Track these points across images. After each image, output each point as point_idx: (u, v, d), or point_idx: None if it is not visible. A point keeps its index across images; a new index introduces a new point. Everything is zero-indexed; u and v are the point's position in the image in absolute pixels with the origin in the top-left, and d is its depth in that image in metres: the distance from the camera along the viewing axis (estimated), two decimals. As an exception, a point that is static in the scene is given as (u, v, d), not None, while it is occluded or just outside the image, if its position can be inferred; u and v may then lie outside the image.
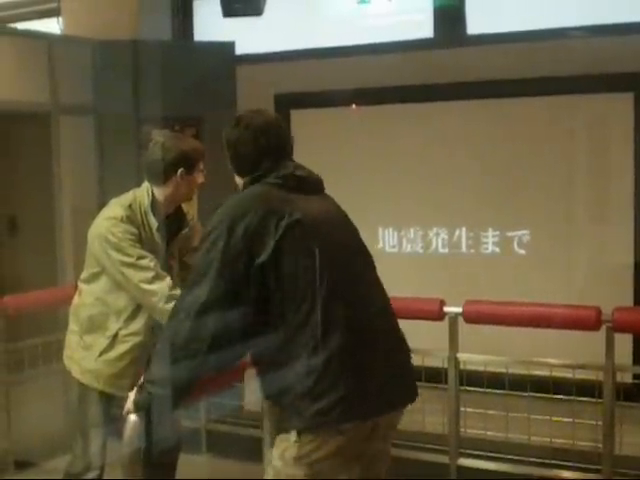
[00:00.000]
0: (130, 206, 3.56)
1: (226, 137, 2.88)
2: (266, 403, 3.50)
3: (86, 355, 3.64)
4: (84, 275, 3.69)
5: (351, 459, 2.65)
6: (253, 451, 4.66)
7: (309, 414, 2.54)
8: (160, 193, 3.61)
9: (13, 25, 7.39)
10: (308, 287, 2.59)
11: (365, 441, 2.66)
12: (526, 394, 4.62)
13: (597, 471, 4.32)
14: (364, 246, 2.90)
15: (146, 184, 3.64)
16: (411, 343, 2.87)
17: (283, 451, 2.62)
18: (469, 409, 4.75)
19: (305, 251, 2.62)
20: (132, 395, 2.80)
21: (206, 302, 2.61)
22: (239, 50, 6.40)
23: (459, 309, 4.51)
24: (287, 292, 2.60)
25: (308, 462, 2.58)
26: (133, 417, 2.80)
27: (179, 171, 3.57)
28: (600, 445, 4.30)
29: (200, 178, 3.63)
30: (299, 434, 2.57)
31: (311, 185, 2.84)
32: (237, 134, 2.84)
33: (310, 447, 2.57)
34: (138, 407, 2.77)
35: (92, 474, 3.76)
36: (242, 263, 2.59)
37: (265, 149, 2.80)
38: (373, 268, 2.88)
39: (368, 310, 2.72)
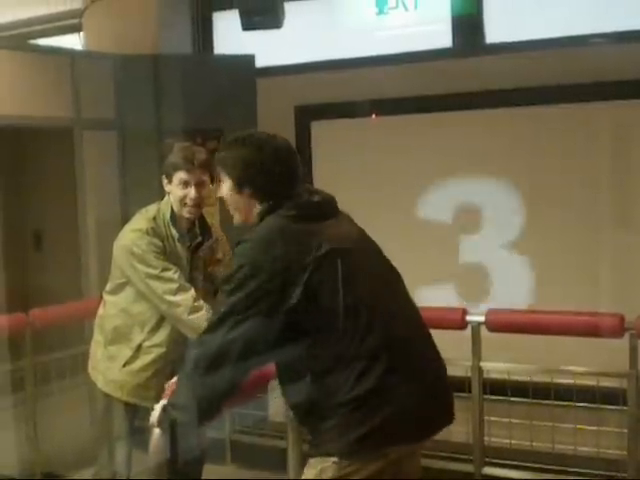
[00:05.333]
0: (154, 218, 3.61)
1: (242, 157, 2.72)
2: (293, 419, 3.45)
3: (110, 366, 3.68)
4: (109, 286, 3.74)
5: (390, 478, 2.59)
6: (277, 462, 4.65)
7: (351, 440, 2.50)
8: None
9: (35, 41, 7.47)
10: (345, 318, 2.53)
11: (403, 461, 2.62)
12: (550, 402, 4.60)
13: (622, 479, 4.31)
14: (389, 261, 2.82)
15: (168, 196, 3.68)
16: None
17: (321, 472, 2.56)
18: (493, 418, 4.74)
19: (337, 283, 2.55)
20: (158, 409, 2.78)
21: (227, 344, 2.54)
22: (259, 62, 6.43)
23: (482, 318, 4.51)
24: (324, 327, 2.54)
25: None
26: (158, 429, 2.82)
27: (163, 179, 3.66)
28: (625, 453, 4.29)
29: (189, 192, 3.57)
30: (340, 457, 2.53)
31: (327, 209, 2.75)
32: (258, 156, 2.71)
33: (351, 469, 2.53)
34: (161, 426, 2.75)
35: (118, 485, 3.80)
36: (270, 304, 2.51)
37: (283, 174, 2.70)
38: (401, 282, 2.81)
39: (405, 329, 2.66)
